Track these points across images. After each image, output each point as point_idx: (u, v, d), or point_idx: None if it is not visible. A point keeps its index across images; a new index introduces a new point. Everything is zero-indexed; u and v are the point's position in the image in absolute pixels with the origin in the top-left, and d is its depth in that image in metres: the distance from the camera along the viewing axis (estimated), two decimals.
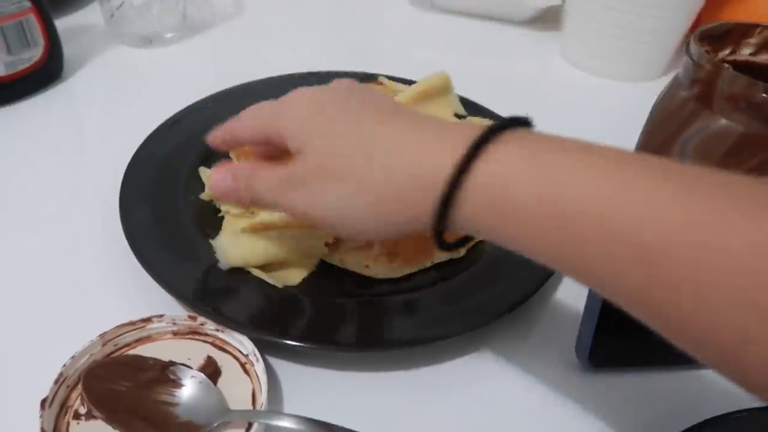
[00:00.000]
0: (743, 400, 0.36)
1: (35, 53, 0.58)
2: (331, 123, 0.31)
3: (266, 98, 0.56)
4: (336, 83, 0.35)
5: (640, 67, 0.66)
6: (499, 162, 0.26)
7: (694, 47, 0.36)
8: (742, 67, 0.38)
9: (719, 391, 0.37)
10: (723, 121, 0.35)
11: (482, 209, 0.26)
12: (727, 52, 0.39)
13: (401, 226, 0.30)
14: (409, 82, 0.56)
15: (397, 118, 0.31)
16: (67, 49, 0.63)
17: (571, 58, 0.71)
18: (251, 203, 0.39)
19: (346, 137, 0.30)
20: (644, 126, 0.39)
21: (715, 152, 0.36)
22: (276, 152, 0.37)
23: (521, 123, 0.28)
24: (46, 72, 0.61)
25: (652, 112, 0.39)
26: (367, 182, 0.29)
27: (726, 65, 0.35)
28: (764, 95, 0.33)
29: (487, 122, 0.38)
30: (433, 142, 0.28)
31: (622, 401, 0.37)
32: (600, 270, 0.24)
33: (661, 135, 0.37)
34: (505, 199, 0.25)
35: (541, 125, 0.29)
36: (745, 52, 0.38)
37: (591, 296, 0.35)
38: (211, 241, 0.41)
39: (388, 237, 0.31)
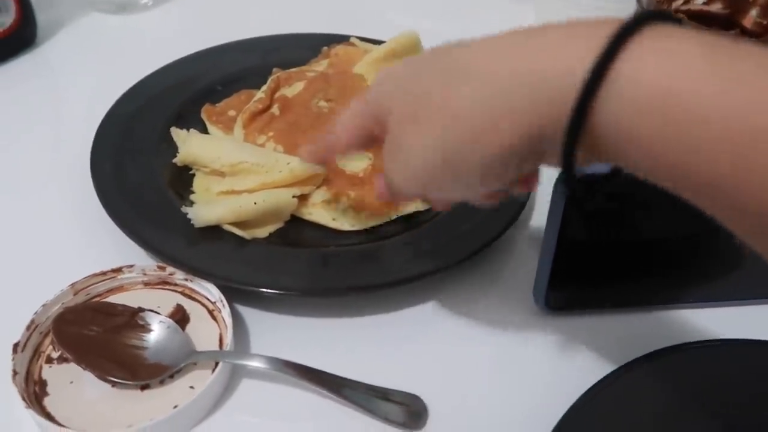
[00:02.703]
0: (689, 335, 0.37)
1: (6, 19, 0.58)
2: (414, 74, 0.28)
3: (240, 61, 0.58)
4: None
5: None
6: (658, 62, 0.20)
7: None
8: (696, 16, 0.39)
9: (666, 329, 0.39)
10: None
11: (632, 118, 0.21)
12: (680, 2, 0.39)
13: (510, 158, 0.25)
14: (381, 44, 0.56)
15: (485, 41, 0.26)
16: (42, 16, 0.63)
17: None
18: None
19: (430, 74, 0.27)
20: None
21: None
22: None
23: (661, 17, 0.22)
24: (19, 37, 0.61)
25: None
26: (462, 110, 0.25)
27: (680, 14, 0.36)
28: None
29: None
30: (551, 44, 0.23)
31: (577, 341, 0.38)
32: None
33: None
34: (674, 108, 0.20)
35: None
36: (698, 2, 0.39)
37: (546, 244, 0.36)
38: (183, 208, 0.41)
39: (496, 179, 0.27)
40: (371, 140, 0.32)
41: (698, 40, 0.20)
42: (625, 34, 0.21)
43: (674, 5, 0.40)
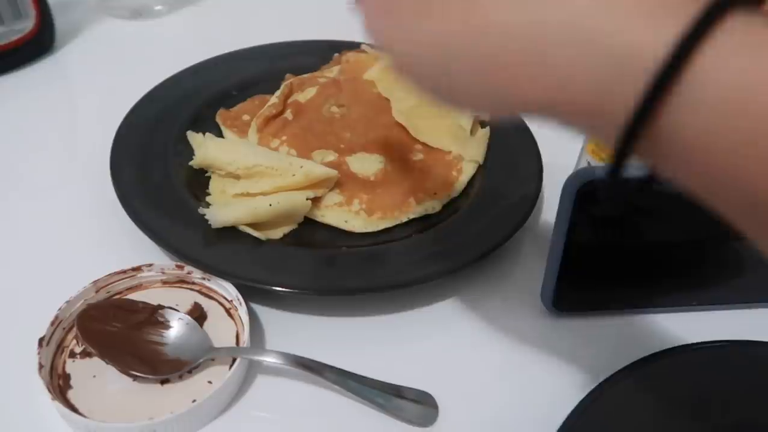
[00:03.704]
0: (695, 337, 0.38)
1: (27, 24, 0.60)
2: None
3: (254, 66, 0.59)
4: None
5: None
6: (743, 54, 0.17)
7: None
8: None
9: (672, 330, 0.40)
10: None
11: (704, 122, 0.18)
12: None
13: (520, 111, 0.22)
14: None
15: None
16: (59, 22, 0.65)
17: None
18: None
19: None
20: None
21: None
22: None
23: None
24: (38, 43, 0.62)
25: None
26: (488, 25, 0.21)
27: None
28: None
29: None
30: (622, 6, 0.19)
31: (584, 341, 0.39)
32: None
33: None
34: (752, 116, 0.17)
35: None
36: None
37: (554, 246, 0.37)
38: (200, 209, 0.42)
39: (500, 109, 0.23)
40: None
41: None
42: (708, 19, 0.17)
43: None
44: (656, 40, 0.18)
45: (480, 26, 0.21)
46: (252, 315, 0.39)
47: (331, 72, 0.56)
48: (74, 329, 0.35)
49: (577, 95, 0.20)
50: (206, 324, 0.38)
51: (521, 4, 0.20)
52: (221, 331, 0.37)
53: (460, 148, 0.49)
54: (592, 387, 0.34)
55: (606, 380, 0.35)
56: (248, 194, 0.43)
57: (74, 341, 0.36)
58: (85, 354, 0.35)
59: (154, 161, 0.47)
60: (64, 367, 0.35)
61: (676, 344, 0.37)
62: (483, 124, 0.52)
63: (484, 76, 0.21)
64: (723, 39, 0.17)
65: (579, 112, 0.20)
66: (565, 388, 0.36)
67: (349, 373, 0.35)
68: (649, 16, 0.18)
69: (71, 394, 0.33)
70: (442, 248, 0.42)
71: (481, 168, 0.48)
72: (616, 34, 0.18)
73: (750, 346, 0.37)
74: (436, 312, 0.41)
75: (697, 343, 0.37)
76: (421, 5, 0.23)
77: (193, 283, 0.40)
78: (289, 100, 0.52)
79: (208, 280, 0.39)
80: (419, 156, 0.49)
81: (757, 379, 0.36)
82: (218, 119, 0.52)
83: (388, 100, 0.52)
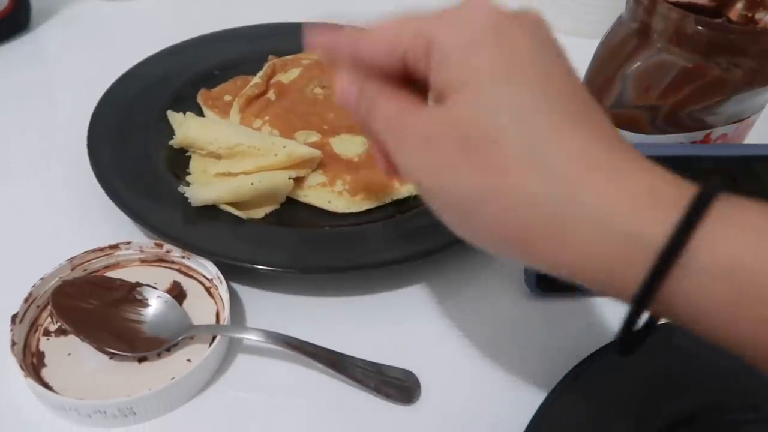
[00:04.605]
0: None
1: (1, 2, 0.58)
2: (509, 74, 0.22)
3: (237, 47, 0.59)
4: (524, 15, 0.24)
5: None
6: (741, 239, 0.20)
7: None
8: (683, 8, 0.40)
9: None
10: (661, 56, 0.37)
11: (704, 293, 0.20)
12: None
13: (552, 270, 0.23)
14: None
15: (582, 129, 0.22)
16: (35, 1, 0.63)
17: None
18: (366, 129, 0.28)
19: (518, 114, 0.22)
20: (590, 63, 0.41)
21: (655, 86, 0.38)
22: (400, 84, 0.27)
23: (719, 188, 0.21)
24: (13, 21, 0.61)
25: (597, 50, 0.41)
26: (517, 194, 0.22)
27: (664, 1, 0.37)
28: (697, 27, 0.35)
29: None
30: (633, 192, 0.21)
31: (565, 322, 0.39)
32: None
33: (606, 71, 0.39)
34: (749, 285, 0.20)
35: None
36: None
37: None
38: (180, 188, 0.41)
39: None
40: (402, 65, 0.25)
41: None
42: (700, 206, 0.20)
43: None
44: (657, 229, 0.20)
45: (510, 193, 0.22)
46: (232, 294, 0.38)
47: (315, 54, 0.56)
48: (49, 307, 0.35)
49: (590, 271, 0.22)
50: (185, 303, 0.37)
51: (551, 177, 0.22)
52: (201, 310, 0.37)
53: None
54: (574, 365, 0.35)
55: (588, 357, 0.35)
56: (230, 174, 0.43)
57: (49, 319, 0.35)
58: (60, 332, 0.34)
59: (133, 140, 0.46)
60: (38, 345, 0.34)
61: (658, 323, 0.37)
62: None
63: (506, 238, 0.23)
64: (712, 225, 0.20)
65: (593, 281, 0.22)
66: (546, 366, 0.36)
67: (331, 351, 0.35)
68: (652, 205, 0.21)
69: (45, 372, 0.32)
70: (426, 229, 0.42)
71: None
72: (625, 221, 0.21)
73: None
74: (419, 291, 0.40)
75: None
76: (461, 150, 0.23)
77: (173, 262, 0.39)
78: (272, 81, 0.52)
79: (188, 258, 0.38)
80: None
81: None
82: (199, 99, 0.51)
83: None
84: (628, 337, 0.23)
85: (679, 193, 0.21)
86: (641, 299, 0.21)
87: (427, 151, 0.24)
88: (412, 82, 0.26)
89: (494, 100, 0.22)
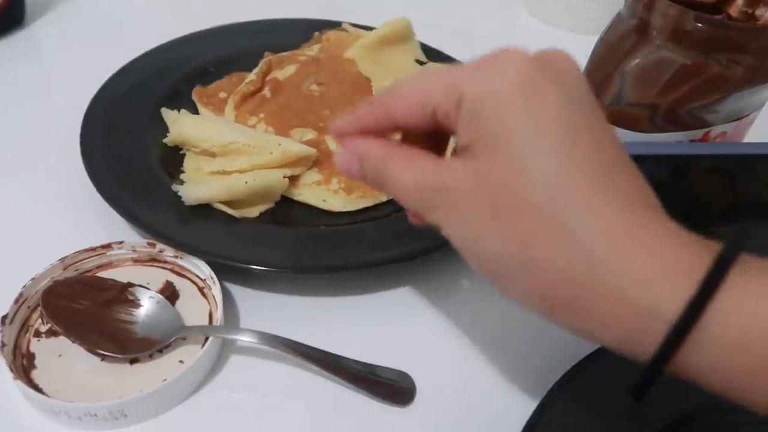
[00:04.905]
0: None
1: None
2: (538, 137, 0.22)
3: (232, 44, 0.58)
4: (554, 61, 0.24)
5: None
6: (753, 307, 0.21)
7: None
8: (685, 2, 0.39)
9: None
10: (660, 53, 0.36)
11: (718, 360, 0.21)
12: None
13: (577, 333, 0.24)
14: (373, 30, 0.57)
15: (606, 197, 0.22)
16: None
17: (538, 14, 0.72)
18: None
19: (548, 184, 0.22)
20: (589, 59, 0.40)
21: (654, 83, 0.37)
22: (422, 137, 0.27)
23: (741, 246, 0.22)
24: (8, 18, 0.60)
25: (596, 46, 0.40)
26: (546, 268, 0.22)
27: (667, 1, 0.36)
28: (697, 24, 0.35)
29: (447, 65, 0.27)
30: (657, 263, 0.22)
31: None
32: None
33: (604, 68, 0.39)
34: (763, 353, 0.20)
35: None
36: None
37: None
38: (173, 186, 0.41)
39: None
40: (430, 122, 0.25)
41: None
42: (717, 276, 0.21)
43: None
44: (672, 304, 0.21)
45: (539, 268, 0.23)
46: (226, 294, 0.38)
47: (311, 50, 0.55)
48: (39, 308, 0.34)
49: (609, 339, 0.23)
50: (178, 303, 0.36)
51: (579, 253, 0.22)
52: (194, 310, 0.36)
53: None
54: (570, 366, 0.34)
55: (585, 358, 0.34)
56: (224, 172, 0.42)
57: (39, 320, 0.34)
58: (50, 333, 0.34)
59: (127, 137, 0.45)
60: (28, 347, 0.33)
61: None
62: None
63: (532, 302, 0.24)
64: (727, 295, 0.21)
65: (612, 347, 0.23)
66: (544, 367, 0.36)
67: (325, 352, 0.34)
68: (670, 277, 0.21)
69: (35, 374, 0.32)
70: (421, 228, 0.41)
71: None
72: (643, 295, 0.21)
73: None
74: (414, 291, 0.40)
75: None
76: (492, 217, 0.23)
77: (165, 262, 0.39)
78: (268, 78, 0.51)
79: (181, 258, 0.38)
80: (399, 135, 0.48)
81: None
82: (194, 96, 0.50)
83: (368, 78, 0.51)
84: (643, 390, 0.24)
85: (698, 261, 0.21)
86: (655, 366, 0.22)
87: (458, 213, 0.24)
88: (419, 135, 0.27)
89: (524, 167, 0.22)
